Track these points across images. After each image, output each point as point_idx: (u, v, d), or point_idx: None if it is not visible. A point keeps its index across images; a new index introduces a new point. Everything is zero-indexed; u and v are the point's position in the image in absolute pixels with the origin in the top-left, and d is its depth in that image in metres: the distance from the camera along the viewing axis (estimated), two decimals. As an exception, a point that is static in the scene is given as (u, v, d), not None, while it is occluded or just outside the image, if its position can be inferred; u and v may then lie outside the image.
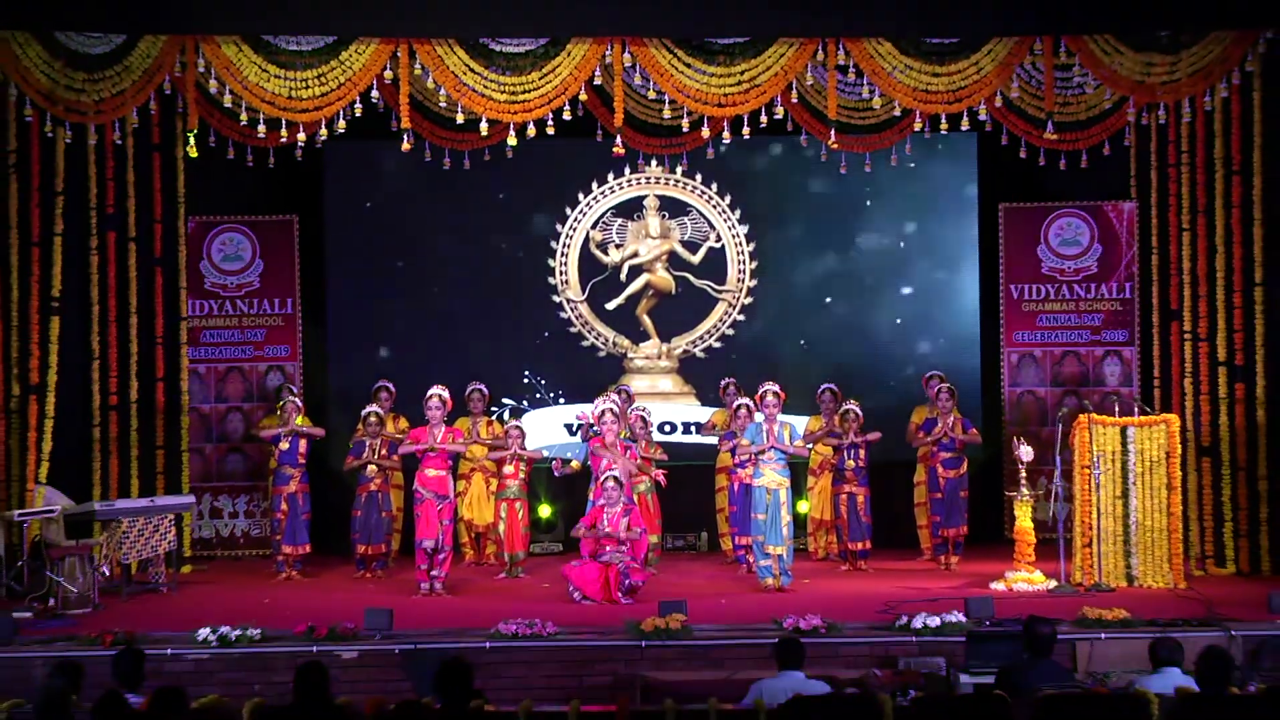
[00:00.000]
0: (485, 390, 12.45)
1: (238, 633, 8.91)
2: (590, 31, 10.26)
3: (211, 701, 6.69)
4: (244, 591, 11.28)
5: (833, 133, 10.75)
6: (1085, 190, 13.19)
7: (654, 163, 13.19)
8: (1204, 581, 10.93)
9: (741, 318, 13.79)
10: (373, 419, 11.82)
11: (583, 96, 10.59)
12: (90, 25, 10.14)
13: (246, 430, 13.33)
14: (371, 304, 13.67)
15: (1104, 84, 10.54)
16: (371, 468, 11.83)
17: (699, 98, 10.39)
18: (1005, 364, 13.64)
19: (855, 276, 13.77)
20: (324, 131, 10.71)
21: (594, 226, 13.75)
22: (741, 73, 10.36)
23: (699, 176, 13.64)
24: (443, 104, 10.81)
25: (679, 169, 13.38)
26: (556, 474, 12.33)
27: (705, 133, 11.09)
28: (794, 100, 10.95)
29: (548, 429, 13.51)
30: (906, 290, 13.71)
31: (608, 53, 10.29)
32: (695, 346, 13.81)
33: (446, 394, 11.29)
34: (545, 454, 12.75)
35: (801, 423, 12.12)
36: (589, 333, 13.78)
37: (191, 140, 10.55)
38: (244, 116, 10.54)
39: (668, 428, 13.43)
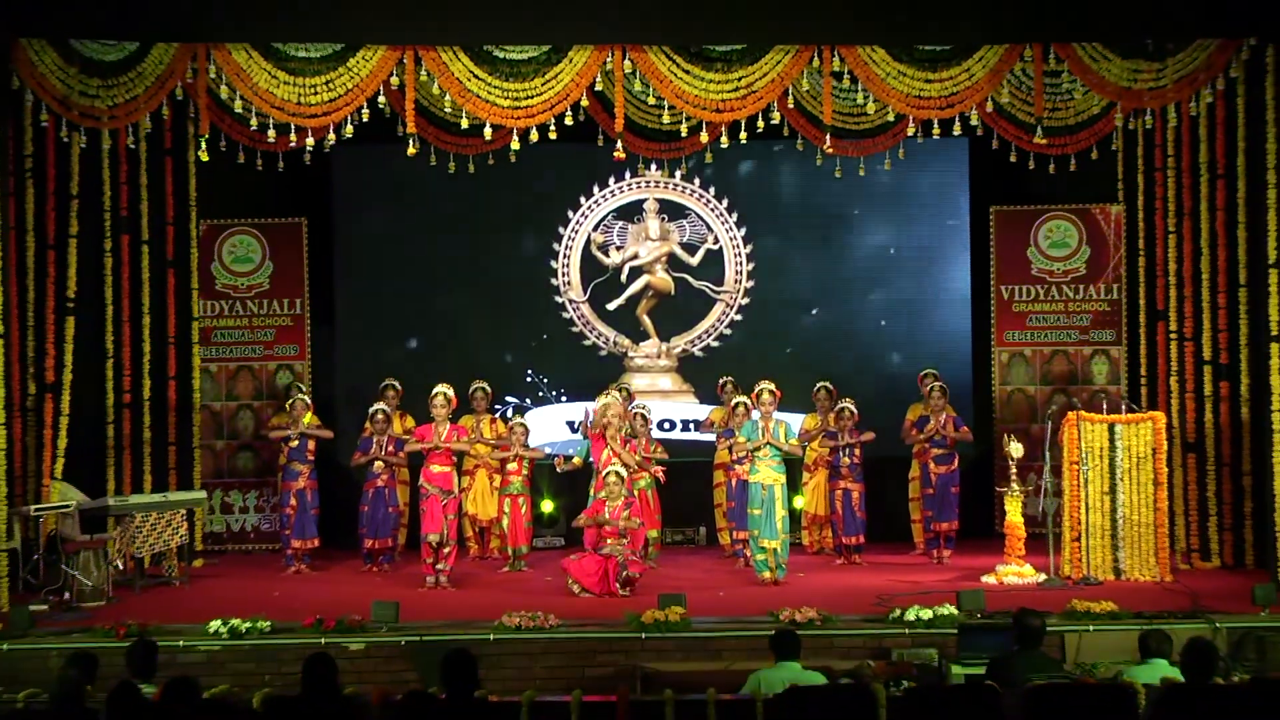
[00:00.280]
0: (489, 388, 12.46)
1: (248, 625, 8.92)
2: (592, 39, 10.25)
3: (222, 692, 6.69)
4: (254, 584, 11.28)
5: (828, 137, 10.74)
6: (1074, 194, 13.18)
7: (654, 167, 13.19)
8: (1189, 575, 10.94)
9: (739, 318, 13.80)
10: (380, 416, 11.82)
11: (584, 102, 10.58)
12: (105, 33, 10.13)
13: (257, 427, 13.33)
14: (378, 304, 13.68)
15: (1092, 90, 10.54)
16: (378, 464, 11.83)
17: (698, 103, 10.38)
18: (996, 363, 13.65)
19: (850, 277, 13.78)
20: (332, 136, 10.70)
21: (595, 229, 13.76)
22: (739, 79, 10.35)
23: (697, 180, 13.66)
24: (448, 109, 10.79)
25: (678, 173, 13.39)
26: (559, 470, 12.33)
27: (704, 138, 11.08)
28: (790, 106, 10.94)
29: (550, 427, 13.51)
30: (900, 291, 13.71)
31: (609, 59, 10.29)
32: (694, 346, 13.82)
33: (451, 392, 11.31)
34: (546, 451, 12.76)
35: (797, 420, 12.13)
36: (590, 332, 13.79)
37: (203, 145, 10.53)
38: (254, 121, 10.53)
39: (667, 425, 13.43)
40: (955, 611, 8.98)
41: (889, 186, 13.31)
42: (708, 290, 13.78)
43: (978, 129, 10.92)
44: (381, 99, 10.43)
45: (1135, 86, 10.32)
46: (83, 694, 6.10)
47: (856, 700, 6.13)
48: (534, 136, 10.48)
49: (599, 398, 11.57)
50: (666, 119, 10.85)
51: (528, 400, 13.60)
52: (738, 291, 13.77)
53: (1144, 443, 10.76)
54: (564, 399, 13.63)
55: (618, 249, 13.76)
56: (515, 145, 10.58)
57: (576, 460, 11.81)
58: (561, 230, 13.77)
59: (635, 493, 11.20)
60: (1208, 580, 10.65)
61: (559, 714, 6.19)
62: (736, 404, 11.64)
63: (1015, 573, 10.69)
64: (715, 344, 13.82)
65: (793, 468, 11.46)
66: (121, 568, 10.89)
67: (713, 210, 13.75)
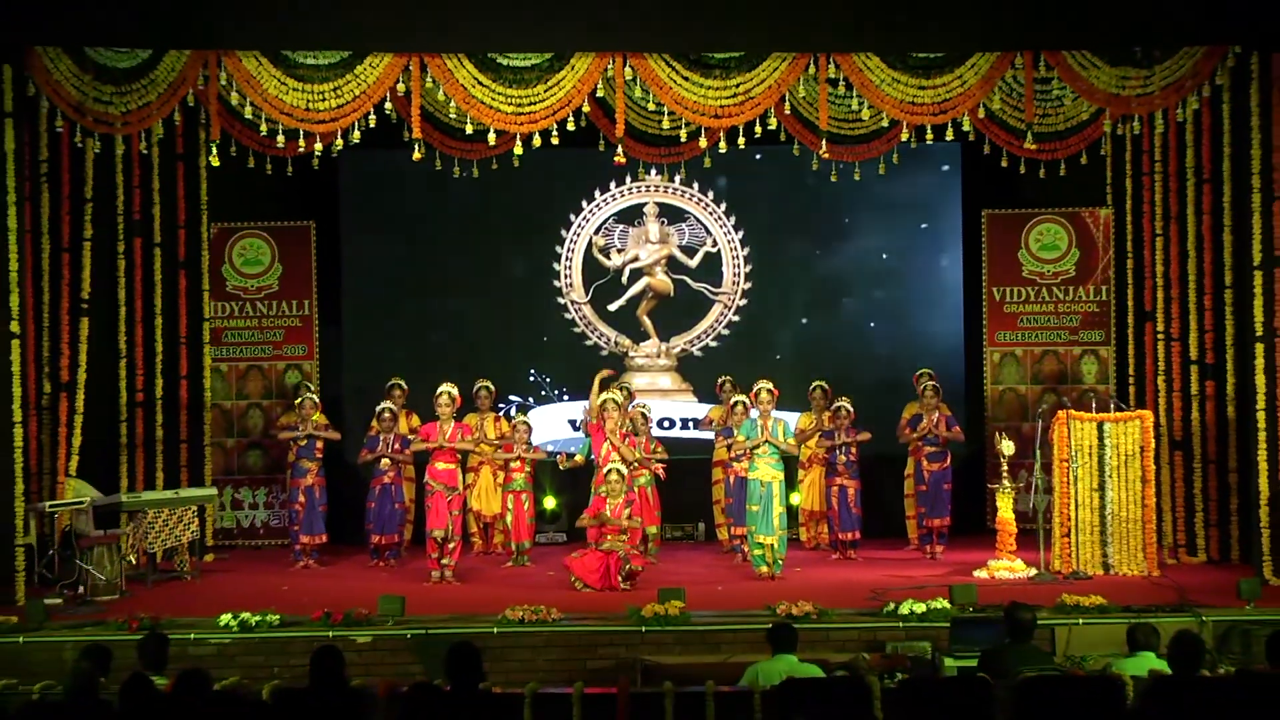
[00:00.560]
0: (492, 387, 12.46)
1: (257, 618, 8.92)
2: (593, 47, 10.24)
3: (232, 683, 6.70)
4: (263, 579, 11.28)
5: (824, 143, 10.74)
6: (1064, 197, 13.18)
7: (653, 171, 13.18)
8: (1176, 569, 10.94)
9: (736, 318, 13.80)
10: (386, 415, 11.82)
11: (586, 108, 10.57)
12: (118, 41, 10.13)
13: (266, 426, 13.34)
14: (385, 305, 13.68)
15: (1081, 96, 10.53)
16: (385, 461, 11.83)
17: (696, 109, 10.37)
18: (988, 362, 13.64)
19: (845, 279, 13.77)
20: (339, 141, 10.69)
21: (597, 232, 13.76)
22: (737, 86, 10.33)
23: (696, 184, 13.65)
24: (452, 115, 10.79)
25: (677, 177, 13.37)
26: (561, 468, 12.33)
27: (702, 143, 11.07)
28: (787, 112, 10.94)
29: (552, 425, 13.51)
30: (893, 292, 13.71)
31: (610, 66, 10.28)
32: (693, 346, 13.82)
33: (455, 391, 11.31)
34: (549, 451, 12.75)
35: (793, 419, 12.12)
36: (592, 332, 13.79)
37: (214, 150, 10.54)
38: (264, 127, 10.54)
39: (666, 423, 13.43)
40: (948, 605, 8.96)
41: (883, 190, 13.29)
42: (706, 292, 13.78)
43: (970, 134, 10.93)
44: (388, 105, 10.43)
45: (1123, 93, 10.31)
46: (96, 686, 6.09)
47: (851, 692, 6.13)
48: (537, 142, 10.47)
49: (600, 395, 11.56)
50: (666, 125, 10.84)
51: (530, 399, 13.60)
52: (735, 293, 13.77)
53: (1132, 440, 10.76)
54: (566, 398, 13.62)
55: (619, 251, 13.76)
56: (519, 150, 10.56)
57: (579, 458, 11.81)
58: (564, 233, 13.77)
59: (635, 489, 11.20)
60: (1194, 575, 10.64)
61: (561, 705, 6.19)
62: (735, 403, 11.64)
63: (1006, 567, 10.69)
64: (713, 344, 13.81)
65: (789, 464, 11.45)
66: (134, 563, 10.91)
67: (711, 214, 13.75)
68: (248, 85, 10.17)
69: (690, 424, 13.43)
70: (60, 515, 10.70)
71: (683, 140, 11.11)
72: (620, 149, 10.62)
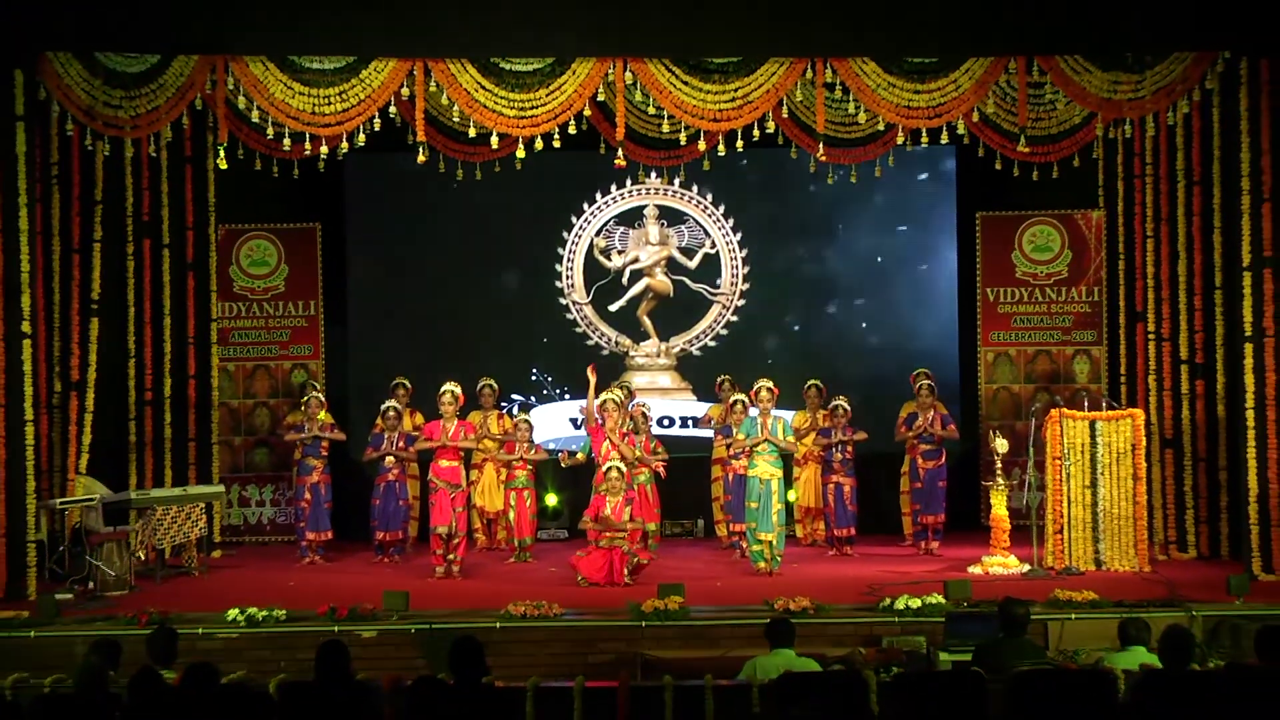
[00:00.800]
0: (495, 385, 12.46)
1: (264, 613, 8.91)
2: (594, 52, 10.23)
3: (239, 677, 6.69)
4: (270, 575, 11.29)
5: (821, 146, 10.73)
6: (1056, 200, 13.18)
7: (653, 174, 13.18)
8: (1167, 565, 10.94)
9: (735, 319, 13.80)
10: (391, 413, 11.82)
11: (587, 112, 10.58)
12: (127, 46, 10.12)
13: (273, 424, 13.33)
14: (389, 306, 13.68)
15: (1074, 101, 10.53)
16: (389, 459, 11.83)
17: (696, 113, 10.37)
18: (982, 362, 13.65)
19: (841, 280, 13.78)
20: (345, 144, 10.70)
21: (597, 234, 13.76)
22: (735, 90, 10.33)
23: (695, 187, 13.65)
24: (456, 119, 10.79)
25: (677, 180, 13.37)
26: (562, 465, 12.32)
27: (702, 146, 11.07)
28: (784, 116, 10.94)
29: (554, 423, 13.51)
30: (888, 293, 13.71)
31: (610, 71, 10.27)
32: (692, 345, 13.82)
33: (459, 390, 11.32)
34: (550, 449, 12.75)
35: (788, 417, 12.10)
36: (593, 332, 13.79)
37: (221, 153, 10.54)
38: (270, 131, 10.53)
39: (666, 421, 13.43)
40: (943, 600, 8.96)
41: (879, 192, 13.30)
42: (705, 292, 13.78)
43: (964, 138, 10.93)
44: (392, 109, 10.43)
45: (1115, 97, 10.31)
46: (106, 679, 6.09)
47: (848, 686, 6.12)
48: (539, 145, 10.47)
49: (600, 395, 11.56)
50: (666, 128, 10.84)
51: (532, 398, 13.60)
52: (734, 294, 13.77)
53: (1124, 439, 10.75)
54: (567, 397, 13.62)
55: (619, 253, 13.76)
56: (521, 153, 10.55)
57: (580, 456, 11.80)
58: (565, 235, 13.77)
59: (635, 487, 11.19)
60: (1185, 571, 10.64)
61: (563, 699, 6.19)
62: (734, 401, 11.63)
63: (1000, 563, 10.69)
64: (712, 344, 13.81)
65: (787, 462, 11.44)
66: (143, 558, 10.89)
67: (710, 216, 13.74)
68: (255, 90, 10.17)
69: (689, 422, 13.43)
70: (71, 512, 10.70)
71: (682, 143, 11.11)
72: (621, 152, 10.62)
